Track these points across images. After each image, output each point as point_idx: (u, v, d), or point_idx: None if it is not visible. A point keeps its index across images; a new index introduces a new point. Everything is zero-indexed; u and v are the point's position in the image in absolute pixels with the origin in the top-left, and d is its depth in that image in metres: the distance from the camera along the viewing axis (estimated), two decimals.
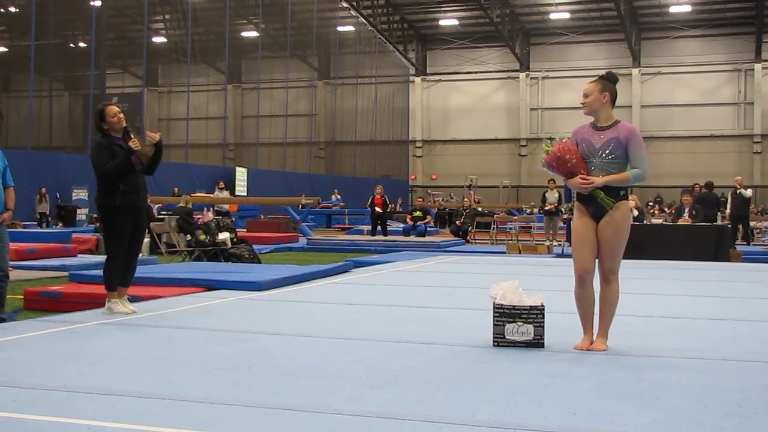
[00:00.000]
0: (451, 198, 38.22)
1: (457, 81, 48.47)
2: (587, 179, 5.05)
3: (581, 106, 5.21)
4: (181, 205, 15.59)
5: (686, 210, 17.04)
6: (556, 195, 19.52)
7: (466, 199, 25.67)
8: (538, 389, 4.11)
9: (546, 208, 19.71)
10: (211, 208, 22.33)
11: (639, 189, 23.09)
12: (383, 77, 45.53)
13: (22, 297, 8.48)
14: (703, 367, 4.74)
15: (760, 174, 42.75)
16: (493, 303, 5.23)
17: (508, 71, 47.43)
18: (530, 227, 24.18)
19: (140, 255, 13.82)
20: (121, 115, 6.71)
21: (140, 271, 8.09)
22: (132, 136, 6.68)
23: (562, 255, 15.55)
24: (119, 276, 6.77)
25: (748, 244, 19.53)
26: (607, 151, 5.08)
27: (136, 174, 6.71)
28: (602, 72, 5.46)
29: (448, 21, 46.35)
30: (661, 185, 38.35)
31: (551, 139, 5.24)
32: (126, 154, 6.60)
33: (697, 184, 19.81)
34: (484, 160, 46.40)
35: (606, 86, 5.17)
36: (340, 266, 11.01)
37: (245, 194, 33.48)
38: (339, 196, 36.07)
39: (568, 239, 17.41)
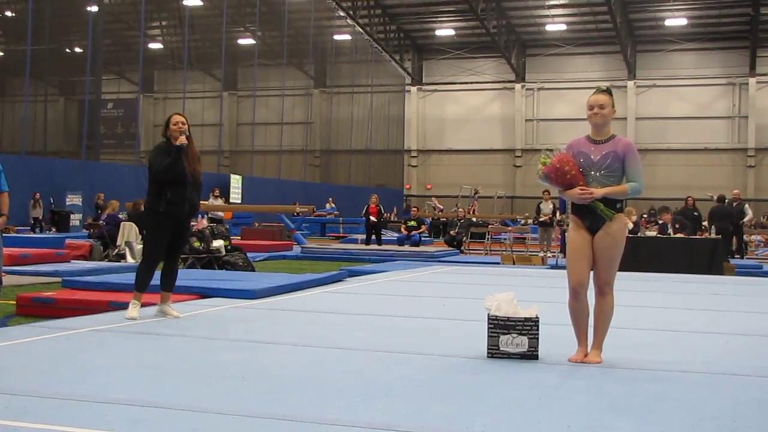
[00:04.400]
0: (457, 208, 38.03)
1: (452, 91, 48.57)
2: (586, 190, 5.06)
3: (591, 114, 5.15)
4: None
5: (669, 227, 17.08)
6: (551, 206, 19.56)
7: (461, 209, 25.68)
8: (533, 401, 4.10)
9: (541, 219, 19.75)
10: (206, 216, 22.28)
11: (633, 202, 23.13)
12: (379, 86, 45.61)
13: (15, 303, 8.44)
14: (698, 380, 4.74)
15: (753, 188, 42.88)
16: (488, 314, 5.23)
17: (504, 82, 47.55)
18: (525, 238, 24.18)
19: (133, 261, 13.79)
20: (184, 126, 6.89)
21: (133, 277, 8.05)
22: (185, 136, 6.84)
23: (556, 266, 15.55)
24: (149, 279, 6.94)
25: (742, 258, 19.56)
26: (604, 165, 5.10)
27: (185, 186, 6.83)
28: (598, 84, 5.47)
29: (445, 31, 46.46)
30: (655, 197, 38.41)
31: (549, 150, 5.23)
32: (177, 151, 6.77)
33: (690, 197, 19.85)
34: (479, 171, 46.46)
35: (613, 100, 5.20)
36: (334, 275, 11.01)
37: (240, 202, 33.47)
38: (333, 205, 36.06)
39: (563, 250, 17.48)
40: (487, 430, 3.54)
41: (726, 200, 18.82)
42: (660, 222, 17.96)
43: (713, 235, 16.46)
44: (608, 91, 5.24)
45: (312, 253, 19.12)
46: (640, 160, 5.21)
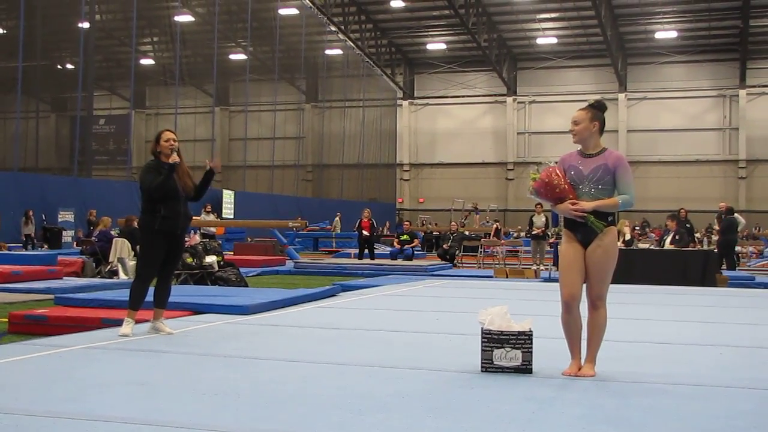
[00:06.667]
0: (487, 222, 38.04)
1: (444, 105, 48.71)
2: (577, 203, 5.07)
3: (569, 131, 5.24)
4: None
5: (670, 234, 17.08)
6: (543, 219, 19.59)
7: (453, 223, 25.70)
8: (527, 415, 4.10)
9: (533, 232, 19.77)
10: (198, 231, 22.25)
11: (625, 214, 23.24)
12: (371, 101, 45.70)
13: (7, 320, 8.40)
14: (691, 393, 4.74)
15: (745, 199, 43.03)
16: (481, 328, 5.22)
17: (496, 95, 47.72)
18: (517, 251, 24.19)
19: (126, 278, 13.75)
20: (175, 143, 6.88)
21: (126, 294, 8.04)
22: (176, 154, 6.82)
23: (549, 279, 15.56)
24: (143, 297, 6.90)
25: (734, 269, 19.59)
26: (595, 178, 5.12)
27: (178, 201, 6.83)
28: (589, 97, 5.50)
29: (436, 45, 46.63)
30: (647, 209, 38.52)
31: (538, 164, 5.25)
32: (168, 170, 6.76)
33: (683, 209, 19.89)
34: (472, 184, 46.55)
35: (596, 115, 5.20)
36: (327, 290, 10.98)
37: (232, 217, 33.40)
38: (337, 219, 35.75)
39: (555, 263, 17.47)
40: None
41: (734, 212, 19.09)
42: (668, 225, 17.93)
43: (710, 247, 16.57)
44: (594, 106, 5.25)
45: (305, 268, 19.08)
46: (631, 173, 5.24)
